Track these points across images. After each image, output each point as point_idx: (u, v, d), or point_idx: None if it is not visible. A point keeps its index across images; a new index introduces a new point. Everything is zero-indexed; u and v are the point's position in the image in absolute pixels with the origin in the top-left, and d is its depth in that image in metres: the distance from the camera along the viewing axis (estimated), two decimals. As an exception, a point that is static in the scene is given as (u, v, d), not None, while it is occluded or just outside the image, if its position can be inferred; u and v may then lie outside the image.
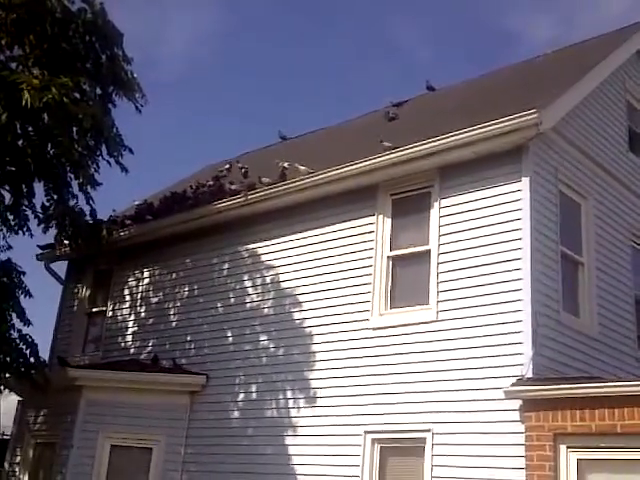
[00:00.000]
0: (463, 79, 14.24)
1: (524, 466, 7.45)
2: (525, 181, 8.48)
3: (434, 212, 9.28)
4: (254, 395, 10.47)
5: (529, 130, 8.37)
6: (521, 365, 7.89)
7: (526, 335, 7.98)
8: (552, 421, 7.38)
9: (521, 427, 7.64)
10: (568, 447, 7.29)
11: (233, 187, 11.83)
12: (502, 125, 8.46)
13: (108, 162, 10.84)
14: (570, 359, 8.49)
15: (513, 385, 7.78)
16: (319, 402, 9.68)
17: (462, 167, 9.08)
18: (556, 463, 7.29)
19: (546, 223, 8.66)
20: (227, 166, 15.16)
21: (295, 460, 9.60)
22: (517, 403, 7.76)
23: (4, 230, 10.80)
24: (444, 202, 9.21)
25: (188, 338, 11.71)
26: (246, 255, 11.34)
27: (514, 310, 8.16)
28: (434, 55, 48.38)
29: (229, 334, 11.11)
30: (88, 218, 11.39)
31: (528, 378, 7.79)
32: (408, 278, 9.54)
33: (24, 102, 8.93)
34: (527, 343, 7.95)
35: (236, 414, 10.57)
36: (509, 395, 7.79)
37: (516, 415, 7.75)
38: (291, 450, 9.71)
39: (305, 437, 9.65)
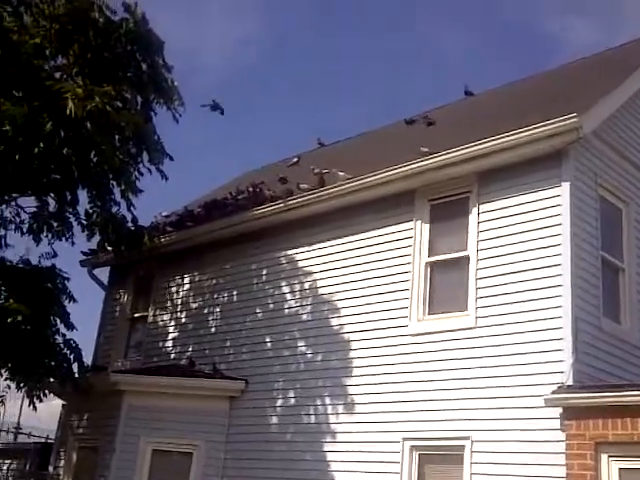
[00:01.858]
0: (501, 84, 14.15)
1: (565, 475, 7.34)
2: (565, 186, 8.38)
3: (473, 217, 9.21)
4: (292, 401, 10.49)
5: (569, 134, 8.27)
6: (561, 372, 7.79)
7: (566, 342, 7.88)
8: (593, 429, 7.26)
9: (562, 435, 7.54)
10: (610, 456, 7.17)
11: (272, 193, 11.90)
12: (542, 129, 8.37)
13: (149, 170, 11.01)
14: (611, 366, 8.34)
15: (553, 393, 7.68)
16: (357, 408, 9.66)
17: (501, 172, 9.00)
18: (597, 472, 7.17)
19: (586, 228, 8.54)
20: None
21: (333, 466, 9.59)
22: (557, 411, 7.65)
23: (49, 237, 11.00)
24: (483, 207, 9.14)
25: (227, 343, 11.79)
26: (284, 261, 11.38)
27: (554, 317, 8.05)
28: (471, 59, 48.13)
29: (268, 340, 11.16)
30: (130, 225, 11.55)
31: (568, 385, 7.68)
32: (446, 284, 9.47)
33: (68, 111, 9.10)
34: (567, 350, 7.85)
35: (275, 420, 10.61)
36: (549, 403, 7.69)
37: (556, 423, 7.64)
38: (329, 456, 9.70)
39: (343, 443, 9.63)
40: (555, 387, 7.72)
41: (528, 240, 8.55)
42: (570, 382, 7.70)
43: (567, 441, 7.46)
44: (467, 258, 9.15)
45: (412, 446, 8.90)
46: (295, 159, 15.65)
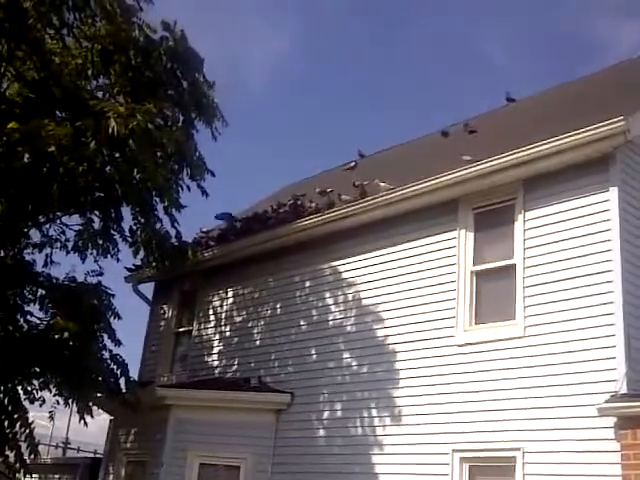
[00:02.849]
0: (544, 88, 13.97)
1: (621, 486, 7.19)
2: (613, 191, 8.23)
3: (518, 225, 9.09)
4: (339, 413, 10.44)
5: (616, 138, 8.12)
6: (614, 381, 7.63)
7: (619, 349, 7.72)
8: (650, 439, 7.09)
9: (616, 445, 7.38)
10: (668, 466, 7.00)
11: (313, 205, 11.89)
12: (588, 134, 8.23)
13: (188, 187, 11.07)
14: (667, 374, 8.15)
15: (607, 402, 7.53)
16: (405, 420, 9.57)
17: (546, 178, 8.88)
18: (656, 483, 7.00)
19: (637, 233, 8.37)
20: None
21: (382, 479, 9.50)
22: (612, 420, 7.50)
23: (94, 254, 11.13)
24: (528, 214, 9.01)
25: (272, 356, 11.79)
26: (328, 273, 11.35)
27: (605, 324, 7.90)
28: (516, 63, 47.73)
29: (313, 352, 11.14)
30: (173, 240, 11.64)
31: (622, 394, 7.51)
32: (493, 293, 9.35)
33: (111, 130, 9.20)
34: (620, 358, 7.69)
35: (322, 432, 10.56)
36: (603, 412, 7.53)
37: (611, 433, 7.49)
38: (378, 468, 9.62)
39: (392, 455, 9.55)
40: (608, 396, 7.57)
41: (577, 247, 8.41)
42: (624, 390, 7.54)
43: (623, 451, 7.30)
44: (514, 266, 9.02)
45: (462, 458, 8.79)
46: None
